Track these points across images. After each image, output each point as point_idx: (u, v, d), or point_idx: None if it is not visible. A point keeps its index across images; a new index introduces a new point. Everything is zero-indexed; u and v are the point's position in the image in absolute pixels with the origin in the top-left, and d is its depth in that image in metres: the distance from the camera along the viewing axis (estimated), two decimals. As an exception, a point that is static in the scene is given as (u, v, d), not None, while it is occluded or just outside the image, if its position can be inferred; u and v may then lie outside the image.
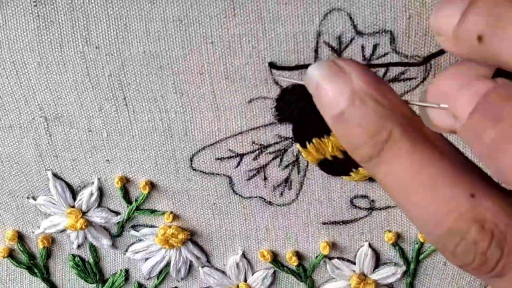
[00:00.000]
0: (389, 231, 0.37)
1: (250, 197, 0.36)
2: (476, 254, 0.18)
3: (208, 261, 0.39)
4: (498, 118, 0.17)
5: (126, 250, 0.39)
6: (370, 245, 0.37)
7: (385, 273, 0.38)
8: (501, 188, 0.18)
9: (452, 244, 0.18)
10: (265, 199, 0.36)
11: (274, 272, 0.39)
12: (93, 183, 0.36)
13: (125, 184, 0.36)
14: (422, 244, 0.37)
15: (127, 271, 0.40)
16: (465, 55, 0.18)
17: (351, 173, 0.34)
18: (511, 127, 0.17)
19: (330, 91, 0.20)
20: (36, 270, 0.40)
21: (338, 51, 0.30)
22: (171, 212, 0.37)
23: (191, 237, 0.38)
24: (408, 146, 0.19)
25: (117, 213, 0.37)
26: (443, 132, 0.20)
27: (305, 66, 0.29)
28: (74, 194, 0.37)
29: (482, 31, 0.17)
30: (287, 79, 0.31)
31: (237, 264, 0.39)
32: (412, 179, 0.19)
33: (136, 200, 0.37)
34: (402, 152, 0.19)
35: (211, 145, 0.34)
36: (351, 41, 0.30)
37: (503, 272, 0.17)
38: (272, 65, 0.31)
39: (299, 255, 0.38)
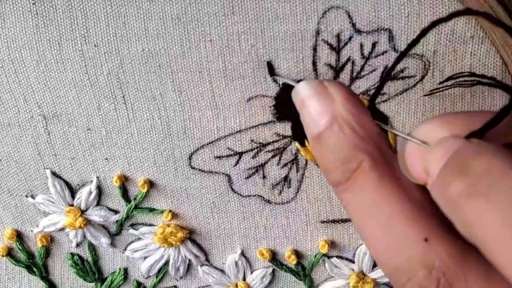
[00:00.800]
0: (388, 229, 0.37)
1: (249, 196, 0.36)
2: None
3: (207, 259, 0.39)
4: (465, 173, 0.17)
5: (125, 249, 0.39)
6: (369, 244, 0.37)
7: (384, 272, 0.38)
8: (458, 236, 0.18)
9: (399, 282, 0.18)
10: (264, 198, 0.36)
11: (273, 271, 0.39)
12: (91, 181, 0.36)
13: (124, 183, 0.36)
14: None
15: (126, 269, 0.40)
16: None
17: (350, 172, 0.34)
18: (476, 182, 0.17)
19: (313, 110, 0.21)
20: (35, 269, 0.40)
21: (336, 49, 0.30)
22: (170, 211, 0.37)
23: (190, 236, 0.38)
24: (374, 180, 0.19)
25: (116, 212, 0.37)
26: (416, 182, 0.20)
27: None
28: (73, 192, 0.37)
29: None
30: (284, 78, 0.31)
31: (236, 263, 0.39)
32: (372, 212, 0.19)
33: (135, 199, 0.37)
34: (368, 184, 0.19)
35: (210, 143, 0.34)
36: (349, 39, 0.30)
37: None
38: (270, 65, 0.31)
39: (298, 254, 0.38)
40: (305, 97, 0.22)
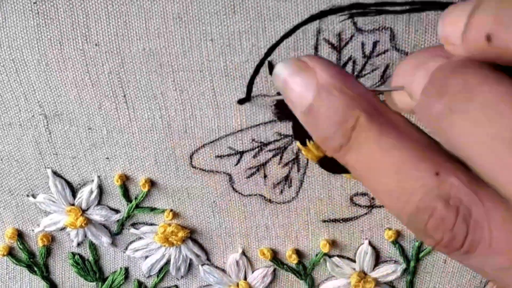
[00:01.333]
0: (389, 229, 0.37)
1: (250, 195, 0.36)
2: (444, 231, 0.18)
3: (208, 259, 0.39)
4: (442, 92, 0.18)
5: (126, 248, 0.39)
6: (370, 243, 0.37)
7: (385, 271, 0.38)
8: (465, 164, 0.18)
9: (421, 222, 0.19)
10: (265, 197, 0.36)
11: (274, 270, 0.39)
12: (93, 181, 0.36)
13: (125, 182, 0.36)
14: (422, 242, 0.37)
15: (126, 269, 0.40)
16: (478, 58, 0.18)
17: (351, 171, 0.34)
18: (454, 98, 0.17)
19: (297, 87, 0.21)
20: (35, 268, 0.40)
21: (338, 48, 0.30)
22: (171, 210, 0.37)
23: (191, 235, 0.38)
24: (375, 131, 0.19)
25: (117, 211, 0.37)
26: (405, 113, 0.21)
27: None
28: (74, 192, 0.37)
29: (490, 30, 0.17)
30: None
31: (237, 262, 0.39)
32: (380, 163, 0.19)
33: (136, 198, 0.37)
34: (369, 137, 0.19)
35: (211, 142, 0.34)
36: (351, 38, 0.30)
37: (471, 249, 0.18)
38: (271, 65, 0.31)
39: (299, 253, 0.38)
40: (286, 76, 0.22)
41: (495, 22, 0.17)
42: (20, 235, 0.38)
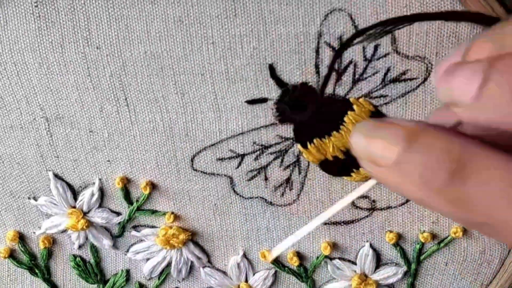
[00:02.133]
0: (390, 231, 0.37)
1: (251, 198, 0.36)
2: None
3: (209, 261, 0.39)
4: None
5: (127, 251, 0.39)
6: (371, 246, 0.37)
7: (386, 274, 0.38)
8: None
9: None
10: (266, 200, 0.36)
11: (275, 273, 0.39)
12: (94, 183, 0.36)
13: (126, 185, 0.36)
14: (423, 244, 0.37)
15: (128, 271, 0.40)
16: (498, 120, 0.18)
17: (352, 174, 0.34)
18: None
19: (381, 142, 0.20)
20: (37, 271, 0.40)
21: (339, 52, 0.30)
22: (172, 213, 0.37)
23: (192, 238, 0.38)
24: (492, 157, 0.18)
25: (118, 214, 0.37)
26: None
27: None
28: (75, 194, 0.37)
29: None
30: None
31: (238, 265, 0.39)
32: (504, 194, 0.18)
33: (137, 201, 0.37)
34: (485, 164, 0.18)
35: (212, 145, 0.34)
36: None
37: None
38: (272, 68, 0.31)
39: (300, 256, 0.38)
40: (367, 135, 0.21)
41: None
42: (21, 238, 0.39)
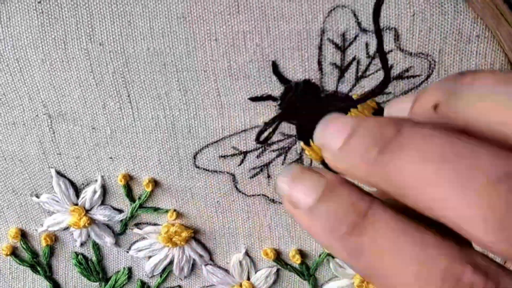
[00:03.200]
0: (393, 229, 0.37)
1: (253, 195, 0.36)
2: None
3: (211, 259, 0.39)
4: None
5: (129, 248, 0.39)
6: (373, 244, 0.37)
7: (389, 272, 0.38)
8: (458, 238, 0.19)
9: None
10: (268, 197, 0.36)
11: (277, 271, 0.39)
12: (96, 180, 0.36)
13: (129, 182, 0.36)
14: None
15: (130, 269, 0.40)
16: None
17: (355, 171, 0.34)
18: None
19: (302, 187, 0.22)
20: (39, 268, 0.40)
21: (342, 48, 0.30)
22: (175, 210, 0.37)
23: (194, 235, 0.38)
24: (390, 211, 0.20)
25: (120, 211, 0.37)
26: None
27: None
28: (77, 191, 0.37)
29: (437, 101, 0.19)
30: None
31: (240, 262, 0.39)
32: (399, 248, 0.20)
33: (139, 198, 0.37)
34: (386, 216, 0.20)
35: (214, 142, 0.34)
36: (355, 38, 0.30)
37: None
38: (275, 65, 0.31)
39: (302, 254, 0.38)
40: (291, 178, 0.22)
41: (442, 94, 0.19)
42: (23, 235, 0.38)
